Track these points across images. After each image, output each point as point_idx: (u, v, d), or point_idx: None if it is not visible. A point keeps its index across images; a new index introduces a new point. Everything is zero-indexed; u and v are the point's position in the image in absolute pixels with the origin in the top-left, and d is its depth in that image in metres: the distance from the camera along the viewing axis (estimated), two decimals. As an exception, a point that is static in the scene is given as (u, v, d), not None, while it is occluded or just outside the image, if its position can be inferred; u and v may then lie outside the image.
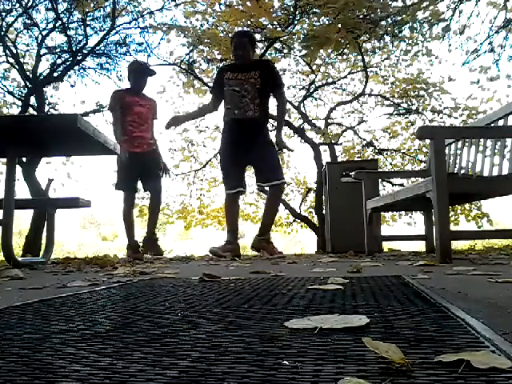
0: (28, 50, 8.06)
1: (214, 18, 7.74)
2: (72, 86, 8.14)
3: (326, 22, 6.95)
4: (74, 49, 7.71)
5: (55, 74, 7.77)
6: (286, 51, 8.27)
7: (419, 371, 0.51)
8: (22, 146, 2.78)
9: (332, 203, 5.36)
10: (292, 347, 0.63)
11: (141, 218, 8.48)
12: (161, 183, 4.58)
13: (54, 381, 0.51)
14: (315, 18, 7.22)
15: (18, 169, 6.66)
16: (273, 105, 4.32)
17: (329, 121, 8.85)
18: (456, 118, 8.43)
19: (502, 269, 1.97)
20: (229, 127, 4.09)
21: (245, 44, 4.04)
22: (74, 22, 7.81)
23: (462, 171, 3.48)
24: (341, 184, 5.30)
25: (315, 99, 9.31)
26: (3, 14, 7.29)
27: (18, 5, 7.38)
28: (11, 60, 7.57)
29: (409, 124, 9.04)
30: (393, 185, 8.71)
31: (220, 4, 7.58)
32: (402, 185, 8.21)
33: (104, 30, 7.75)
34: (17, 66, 7.58)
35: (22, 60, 7.75)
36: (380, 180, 6.41)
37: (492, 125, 3.13)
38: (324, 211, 6.34)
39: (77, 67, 7.94)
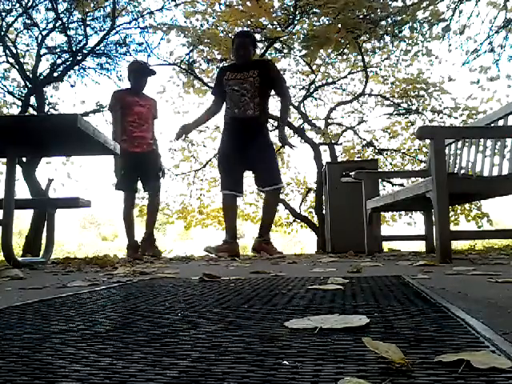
0: (28, 50, 8.07)
1: (214, 17, 7.74)
2: (72, 86, 8.15)
3: (326, 22, 6.95)
4: (74, 49, 7.71)
5: (55, 74, 7.77)
6: (286, 51, 8.27)
7: (419, 371, 0.51)
8: (21, 146, 2.78)
9: (332, 203, 5.36)
10: (292, 347, 0.63)
11: (141, 217, 8.48)
12: (160, 184, 4.58)
13: (54, 381, 0.51)
14: (315, 18, 7.23)
15: (18, 169, 6.65)
16: (273, 105, 4.33)
17: (329, 121, 8.85)
18: (456, 118, 8.43)
19: (502, 269, 1.97)
20: (229, 126, 4.09)
21: (247, 44, 4.05)
22: (73, 22, 7.82)
23: (462, 171, 3.48)
24: (341, 184, 5.30)
25: (315, 99, 9.32)
26: (3, 13, 7.29)
27: (17, 5, 7.39)
28: (11, 60, 7.57)
29: (409, 124, 9.04)
30: (393, 185, 8.71)
31: (220, 4, 7.59)
32: (402, 185, 8.21)
33: (104, 30, 7.76)
34: (17, 66, 7.58)
35: (21, 60, 7.76)
36: (380, 180, 6.41)
37: (492, 125, 3.13)
38: (324, 211, 6.34)
39: (77, 67, 7.95)
